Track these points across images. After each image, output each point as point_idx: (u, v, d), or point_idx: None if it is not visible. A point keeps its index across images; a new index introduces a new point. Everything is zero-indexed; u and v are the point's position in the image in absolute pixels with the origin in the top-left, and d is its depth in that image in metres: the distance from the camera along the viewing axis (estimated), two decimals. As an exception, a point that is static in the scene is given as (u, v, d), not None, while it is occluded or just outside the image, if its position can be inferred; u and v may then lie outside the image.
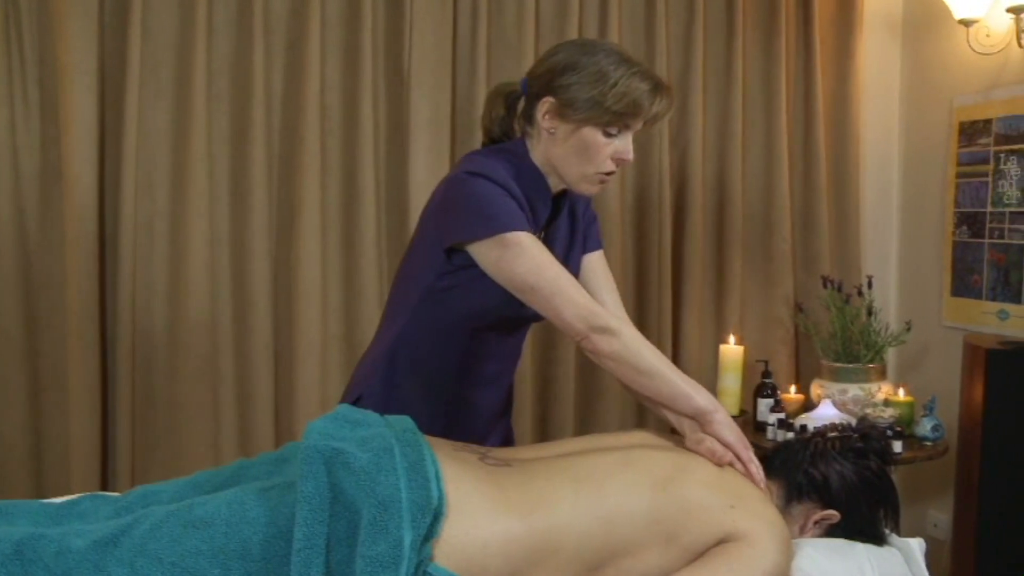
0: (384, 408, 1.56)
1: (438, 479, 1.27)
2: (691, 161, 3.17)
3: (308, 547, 1.21)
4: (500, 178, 1.55)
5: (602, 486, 1.37)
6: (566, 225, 1.74)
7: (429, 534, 1.21)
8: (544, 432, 3.04)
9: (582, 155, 1.57)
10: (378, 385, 1.67)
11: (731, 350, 2.97)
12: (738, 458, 1.51)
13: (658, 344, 3.15)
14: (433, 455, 1.31)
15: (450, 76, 2.92)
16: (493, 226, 1.51)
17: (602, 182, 1.62)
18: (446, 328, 1.63)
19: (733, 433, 1.52)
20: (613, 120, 1.55)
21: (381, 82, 2.88)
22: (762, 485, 1.52)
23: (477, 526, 1.26)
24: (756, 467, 1.52)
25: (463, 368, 1.67)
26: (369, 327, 2.84)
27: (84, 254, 2.61)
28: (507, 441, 1.83)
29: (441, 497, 1.24)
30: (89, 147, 2.61)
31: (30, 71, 2.52)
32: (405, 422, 1.42)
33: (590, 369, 3.02)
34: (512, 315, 1.63)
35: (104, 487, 2.66)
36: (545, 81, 1.58)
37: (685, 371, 3.38)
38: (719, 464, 1.49)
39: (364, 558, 1.18)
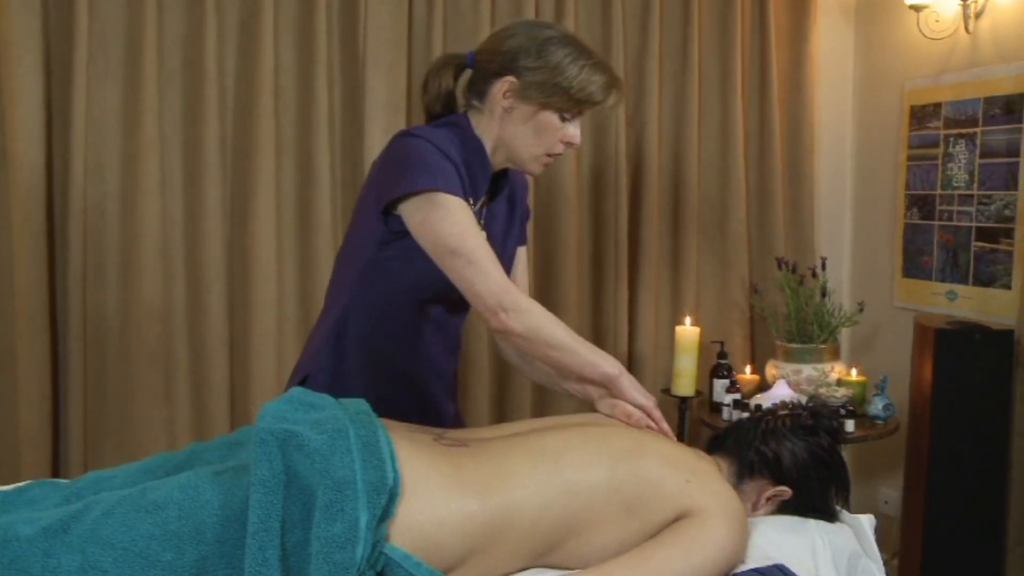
0: (330, 387, 1.56)
1: (393, 460, 1.27)
2: (647, 144, 3.18)
3: (263, 529, 1.20)
4: (439, 141, 1.58)
5: (559, 460, 1.38)
6: (506, 209, 1.79)
7: (385, 514, 1.21)
8: (500, 414, 3.05)
9: (538, 136, 1.64)
10: (326, 361, 1.67)
11: (687, 331, 2.99)
12: (651, 417, 1.57)
13: (614, 326, 3.17)
14: (388, 436, 1.31)
15: (406, 56, 2.89)
16: (425, 182, 1.53)
17: (547, 164, 1.70)
18: (390, 302, 1.64)
19: (642, 394, 1.58)
20: (571, 107, 1.63)
21: (336, 62, 2.85)
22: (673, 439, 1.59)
23: (433, 505, 1.26)
24: (667, 425, 1.59)
25: (409, 345, 1.68)
26: (325, 310, 2.82)
27: (32, 237, 2.55)
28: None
29: (396, 477, 1.24)
30: (36, 127, 2.55)
31: (-30, 48, 2.45)
32: (359, 404, 1.42)
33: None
34: (453, 288, 1.62)
35: (55, 474, 2.61)
36: (507, 61, 1.62)
37: (640, 352, 3.40)
38: (636, 427, 1.55)
39: (320, 539, 1.17)
